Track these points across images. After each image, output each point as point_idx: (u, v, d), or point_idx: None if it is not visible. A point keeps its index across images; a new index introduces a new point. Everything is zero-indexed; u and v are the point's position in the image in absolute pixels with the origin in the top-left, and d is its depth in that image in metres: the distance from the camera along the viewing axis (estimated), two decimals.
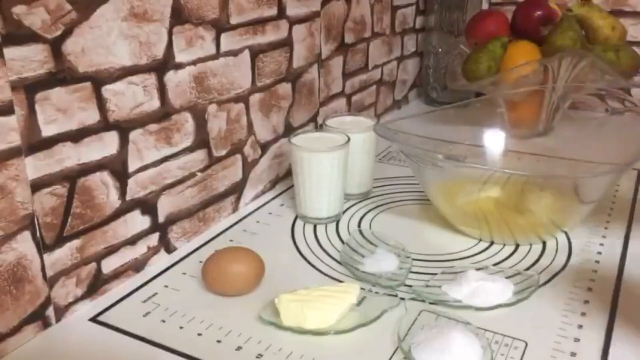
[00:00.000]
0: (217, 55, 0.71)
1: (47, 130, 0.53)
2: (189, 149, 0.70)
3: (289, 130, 0.88)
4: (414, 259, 0.67)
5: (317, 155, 0.74)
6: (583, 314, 0.58)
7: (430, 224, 0.77)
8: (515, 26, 1.05)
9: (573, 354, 0.53)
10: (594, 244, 0.71)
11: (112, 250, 0.62)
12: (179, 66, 0.66)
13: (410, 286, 0.62)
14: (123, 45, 0.59)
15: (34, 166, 0.52)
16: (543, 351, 0.53)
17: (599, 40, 0.99)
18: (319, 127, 0.93)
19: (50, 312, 0.56)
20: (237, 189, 0.80)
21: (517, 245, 0.71)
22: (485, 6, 1.31)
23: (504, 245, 0.71)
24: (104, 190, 0.60)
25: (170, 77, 0.65)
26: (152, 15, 0.61)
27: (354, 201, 0.83)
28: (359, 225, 0.77)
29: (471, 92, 1.21)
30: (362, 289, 0.60)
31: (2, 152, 0.49)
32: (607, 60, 0.92)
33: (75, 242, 0.58)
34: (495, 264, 0.67)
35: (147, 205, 0.65)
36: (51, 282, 0.56)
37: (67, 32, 0.53)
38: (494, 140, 0.87)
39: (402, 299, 0.60)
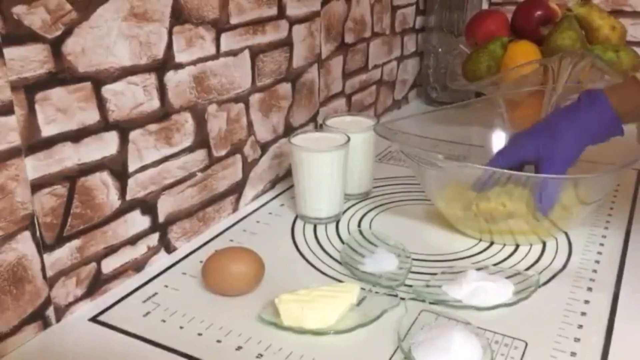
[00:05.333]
0: (217, 55, 0.71)
1: (47, 130, 0.53)
2: (189, 149, 0.70)
3: (289, 130, 0.88)
4: (414, 259, 0.67)
5: (317, 155, 0.74)
6: (583, 314, 0.58)
7: (430, 224, 0.77)
8: (515, 26, 1.05)
9: (573, 354, 0.53)
10: (594, 244, 0.71)
11: (112, 250, 0.62)
12: (179, 66, 0.66)
13: (410, 286, 0.62)
14: (123, 45, 0.59)
15: (34, 166, 0.52)
16: (543, 351, 0.53)
17: (599, 40, 0.99)
18: (319, 127, 0.93)
19: (50, 312, 0.56)
20: (237, 189, 0.80)
21: (517, 245, 0.71)
22: (485, 6, 1.31)
23: (504, 245, 0.71)
24: (104, 190, 0.60)
25: (170, 77, 0.65)
26: (152, 15, 0.61)
27: (354, 201, 0.83)
28: (359, 225, 0.77)
29: (471, 92, 1.21)
30: (362, 289, 0.60)
31: (2, 152, 0.49)
32: (607, 60, 0.92)
33: (75, 242, 0.58)
34: (495, 264, 0.67)
35: (147, 205, 0.65)
36: (51, 282, 0.56)
37: (67, 32, 0.53)
38: (494, 140, 0.87)
39: (402, 299, 0.60)
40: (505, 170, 0.67)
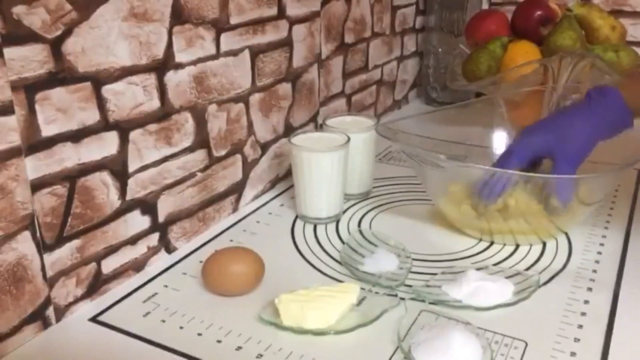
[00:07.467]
0: (217, 55, 0.71)
1: (47, 130, 0.53)
2: (189, 149, 0.70)
3: (289, 130, 0.88)
4: (414, 259, 0.67)
5: (317, 155, 0.74)
6: (583, 314, 0.58)
7: (430, 224, 0.77)
8: (515, 26, 1.05)
9: (573, 354, 0.53)
10: (594, 244, 0.71)
11: (112, 250, 0.62)
12: (179, 66, 0.66)
13: (410, 286, 0.62)
14: (123, 45, 0.59)
15: (34, 166, 0.52)
16: (543, 351, 0.53)
17: (599, 40, 0.99)
18: (319, 127, 0.93)
19: (50, 312, 0.56)
20: (237, 189, 0.80)
21: (517, 245, 0.71)
22: (485, 6, 1.31)
23: (504, 245, 0.71)
24: (104, 190, 0.60)
25: (170, 77, 0.65)
26: (152, 15, 0.61)
27: (354, 201, 0.83)
28: (359, 225, 0.77)
29: (471, 92, 1.21)
30: (362, 289, 0.60)
31: (2, 152, 0.49)
32: (607, 60, 0.92)
33: (75, 242, 0.58)
34: (495, 264, 0.67)
35: (147, 205, 0.65)
36: (51, 282, 0.56)
37: (67, 32, 0.53)
38: (494, 140, 0.87)
39: (402, 299, 0.60)
40: (507, 171, 0.67)
